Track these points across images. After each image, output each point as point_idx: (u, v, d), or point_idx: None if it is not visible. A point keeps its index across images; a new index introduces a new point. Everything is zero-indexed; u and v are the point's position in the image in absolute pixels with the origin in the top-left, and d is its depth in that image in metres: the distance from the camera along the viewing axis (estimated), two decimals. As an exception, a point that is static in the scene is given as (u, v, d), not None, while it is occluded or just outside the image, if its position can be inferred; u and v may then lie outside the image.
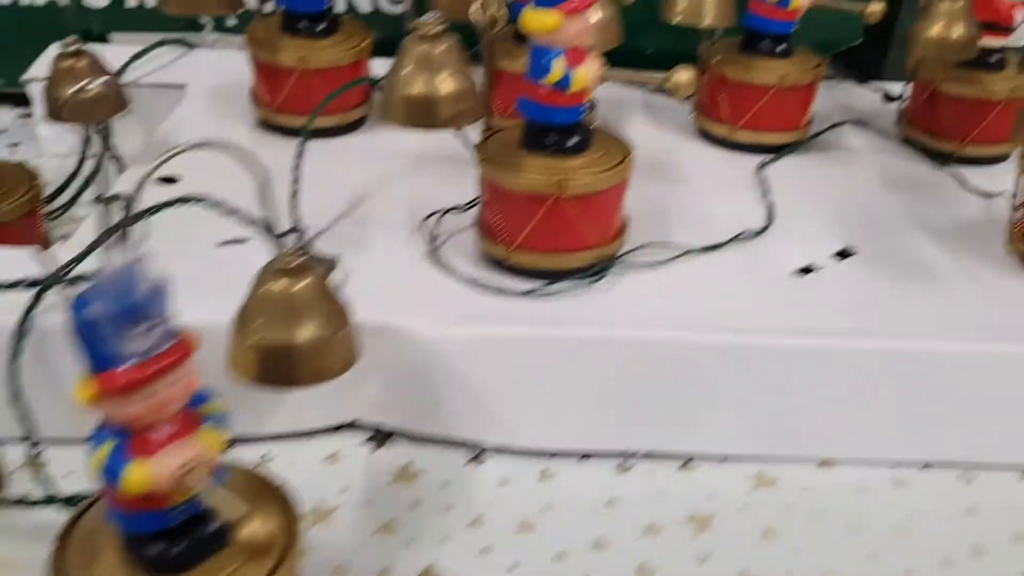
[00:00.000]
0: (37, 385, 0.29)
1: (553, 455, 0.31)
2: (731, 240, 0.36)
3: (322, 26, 0.42)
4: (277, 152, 0.37)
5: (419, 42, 0.29)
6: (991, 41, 0.43)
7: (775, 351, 0.31)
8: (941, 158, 0.44)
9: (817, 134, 0.45)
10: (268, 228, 0.29)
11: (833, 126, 0.46)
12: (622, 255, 0.34)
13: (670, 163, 0.43)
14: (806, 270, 0.36)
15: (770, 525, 0.30)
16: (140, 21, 0.52)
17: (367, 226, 0.36)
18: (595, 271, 0.33)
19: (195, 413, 0.21)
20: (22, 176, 0.38)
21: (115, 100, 0.37)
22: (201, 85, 0.47)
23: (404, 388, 0.31)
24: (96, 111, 0.37)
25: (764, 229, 0.37)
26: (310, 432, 0.32)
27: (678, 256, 0.35)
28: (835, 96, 0.51)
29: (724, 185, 0.41)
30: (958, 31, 0.40)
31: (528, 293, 0.32)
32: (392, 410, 0.31)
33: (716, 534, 0.30)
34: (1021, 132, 0.37)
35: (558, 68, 0.31)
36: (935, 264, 0.36)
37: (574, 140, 0.32)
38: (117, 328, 0.19)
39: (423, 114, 0.29)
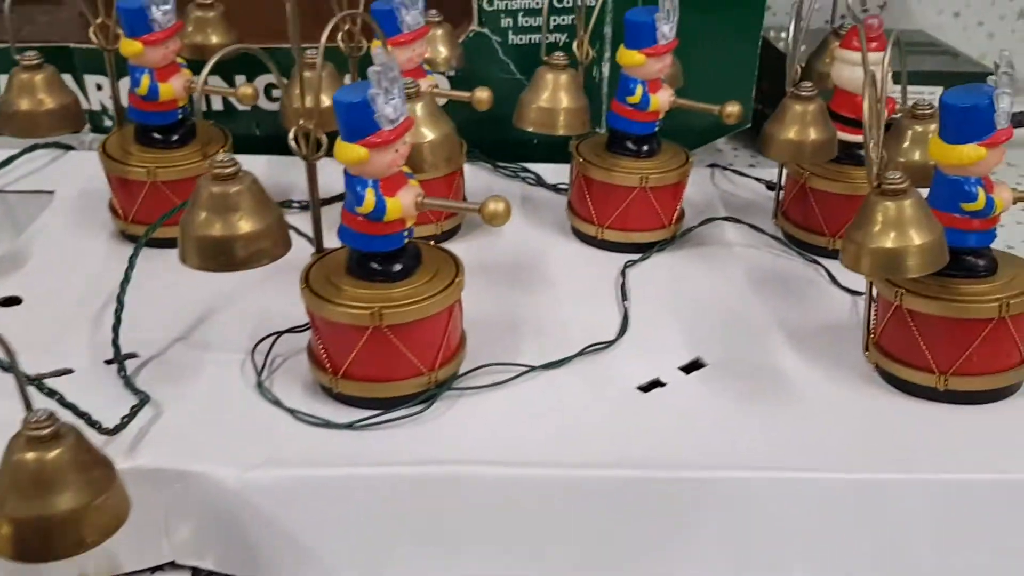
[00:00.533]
0: None
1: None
2: (576, 355, 0.36)
3: (176, 136, 0.41)
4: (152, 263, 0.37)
5: (213, 183, 0.28)
6: (852, 137, 0.43)
7: (600, 482, 0.30)
8: (813, 253, 0.44)
9: (688, 230, 0.45)
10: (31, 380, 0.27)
11: (704, 222, 0.45)
12: (457, 378, 0.34)
13: (535, 265, 0.43)
14: (651, 385, 0.35)
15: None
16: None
17: (204, 349, 0.35)
18: (422, 399, 0.32)
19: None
20: None
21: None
22: (71, 190, 0.46)
23: (215, 531, 0.30)
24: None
25: (615, 340, 0.37)
26: (127, 574, 0.31)
27: (517, 376, 0.34)
28: (720, 184, 0.51)
29: (586, 289, 0.41)
30: (813, 134, 0.40)
31: (351, 425, 0.31)
32: (206, 553, 0.30)
33: None
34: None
35: (370, 198, 0.30)
36: (789, 375, 0.35)
37: (397, 267, 0.32)
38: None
39: (216, 256, 0.28)
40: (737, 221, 0.46)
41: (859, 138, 0.42)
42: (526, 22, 0.49)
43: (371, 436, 0.31)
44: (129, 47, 0.39)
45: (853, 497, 0.30)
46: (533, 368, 0.35)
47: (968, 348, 0.33)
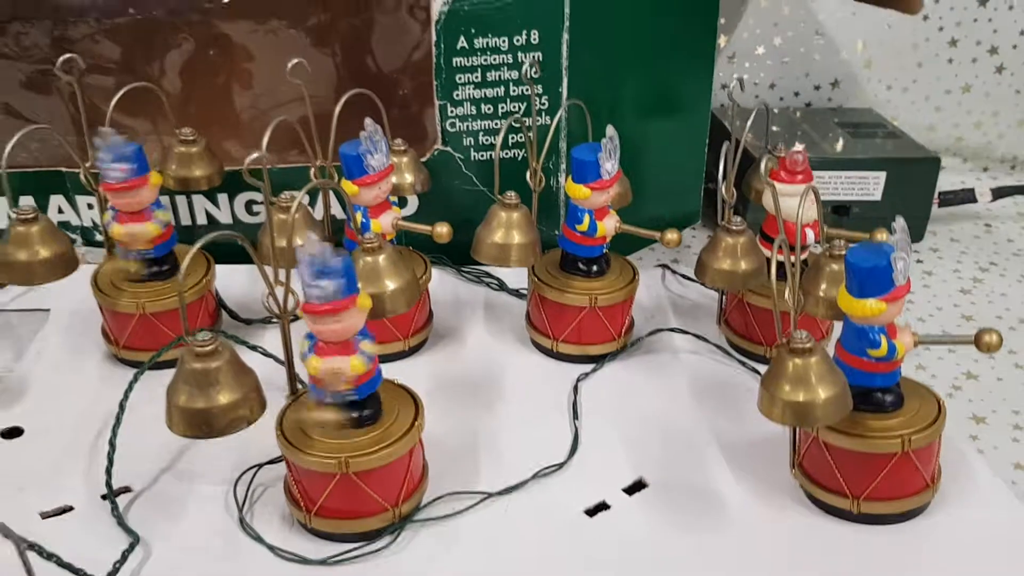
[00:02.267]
0: None
1: None
2: (530, 479, 0.39)
3: (165, 267, 0.45)
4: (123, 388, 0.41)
5: (194, 360, 0.32)
6: (781, 257, 0.46)
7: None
8: (754, 360, 0.48)
9: (636, 340, 0.49)
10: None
11: (652, 332, 0.49)
12: (420, 509, 0.37)
13: (495, 378, 0.46)
14: (597, 509, 0.39)
15: None
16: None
17: (191, 480, 0.39)
18: (389, 532, 0.36)
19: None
20: None
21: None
22: (66, 308, 0.50)
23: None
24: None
25: (564, 462, 0.41)
26: None
27: (475, 504, 0.38)
28: (670, 286, 0.55)
29: (542, 405, 0.44)
30: (744, 264, 0.44)
31: (324, 561, 0.35)
32: None
33: None
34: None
35: (314, 363, 0.34)
36: (723, 495, 0.39)
37: (366, 412, 0.36)
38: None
39: (199, 425, 0.32)
40: (683, 332, 0.49)
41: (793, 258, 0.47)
42: (486, 140, 0.53)
43: (343, 570, 0.35)
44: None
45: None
46: (490, 495, 0.38)
47: (876, 477, 0.37)
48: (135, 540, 0.35)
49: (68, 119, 0.50)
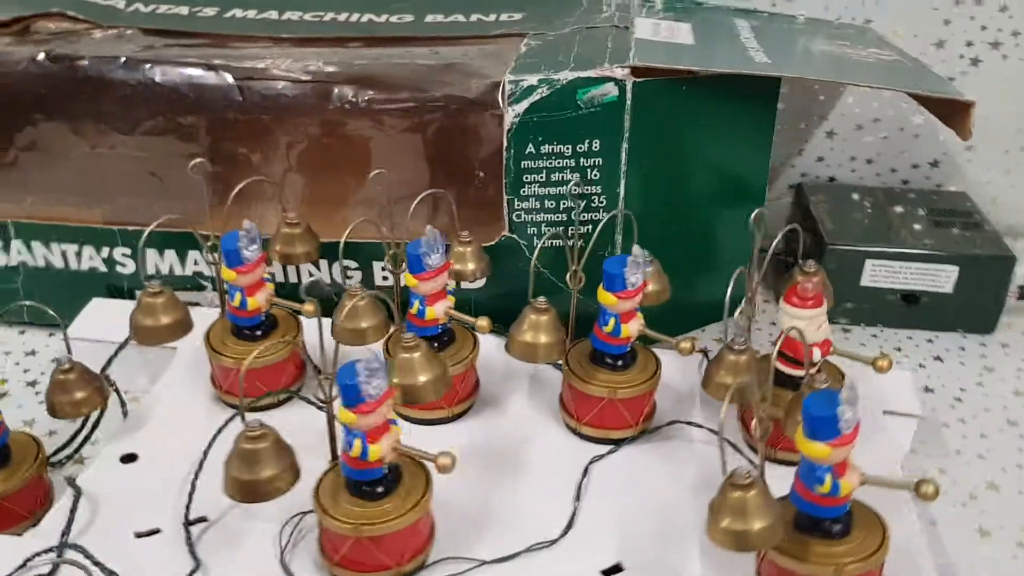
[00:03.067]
0: None
1: None
2: (523, 551, 0.46)
3: (259, 332, 0.55)
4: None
5: (245, 442, 0.41)
6: (791, 371, 0.51)
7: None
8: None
9: (655, 429, 0.54)
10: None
11: (669, 423, 0.55)
12: (423, 569, 0.45)
13: (520, 451, 0.53)
14: (601, 578, 0.45)
15: None
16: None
17: (252, 517, 0.48)
18: (396, 586, 0.44)
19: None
20: (30, 446, 0.52)
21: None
22: (191, 346, 0.61)
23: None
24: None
25: (557, 539, 0.47)
26: None
27: (470, 569, 0.46)
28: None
29: (554, 483, 0.51)
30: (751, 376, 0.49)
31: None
32: None
33: None
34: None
35: (357, 447, 0.42)
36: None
37: (379, 490, 0.44)
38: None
39: (247, 493, 0.41)
40: (698, 426, 0.55)
41: (798, 372, 0.51)
42: (547, 230, 0.59)
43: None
44: (227, 273, 0.52)
45: None
46: (484, 563, 0.46)
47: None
48: (196, 566, 0.45)
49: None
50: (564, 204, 0.58)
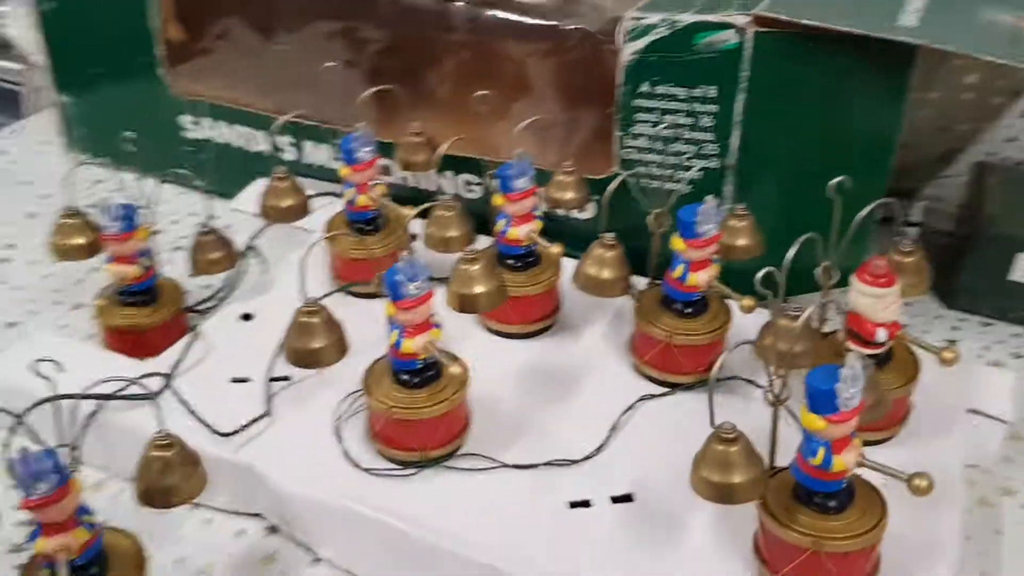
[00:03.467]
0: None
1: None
2: (542, 464, 0.50)
3: (370, 227, 0.61)
4: (346, 310, 0.55)
5: (301, 316, 0.47)
6: (860, 350, 0.50)
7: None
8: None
9: (715, 380, 0.54)
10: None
11: (724, 379, 0.55)
12: (448, 457, 0.49)
13: (576, 377, 0.56)
14: (581, 504, 0.48)
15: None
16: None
17: (326, 385, 0.54)
18: (416, 467, 0.49)
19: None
20: (176, 291, 0.62)
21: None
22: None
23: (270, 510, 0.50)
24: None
25: (578, 461, 0.50)
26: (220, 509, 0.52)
27: (488, 468, 0.49)
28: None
29: (600, 411, 0.53)
30: (799, 346, 0.48)
31: (367, 470, 0.49)
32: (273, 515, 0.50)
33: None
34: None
35: (408, 344, 0.47)
36: (690, 527, 0.46)
37: (416, 380, 0.48)
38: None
39: (299, 359, 0.47)
40: (758, 385, 0.55)
41: (869, 351, 0.50)
42: (656, 172, 0.60)
43: (380, 482, 0.49)
44: (344, 170, 0.58)
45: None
46: (504, 465, 0.49)
47: (788, 564, 0.42)
48: (265, 414, 0.52)
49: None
50: (674, 148, 0.59)
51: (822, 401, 0.40)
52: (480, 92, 0.56)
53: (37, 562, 0.41)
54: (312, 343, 0.47)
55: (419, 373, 0.48)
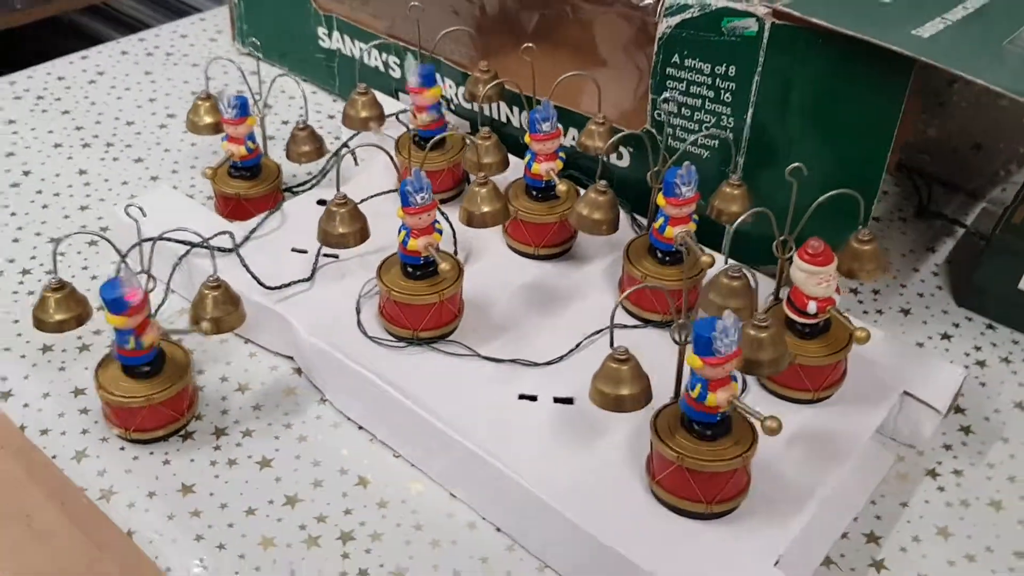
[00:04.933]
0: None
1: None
2: (507, 361, 0.60)
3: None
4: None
5: (331, 206, 0.59)
6: (797, 318, 0.57)
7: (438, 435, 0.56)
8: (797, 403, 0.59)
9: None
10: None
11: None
12: (435, 340, 0.61)
13: (569, 299, 0.65)
14: (528, 398, 0.58)
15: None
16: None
17: (359, 267, 0.66)
18: (409, 343, 0.61)
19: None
20: (275, 171, 0.75)
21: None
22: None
23: (297, 354, 0.63)
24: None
25: (541, 365, 0.60)
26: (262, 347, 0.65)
27: (462, 356, 0.60)
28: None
29: (580, 328, 0.62)
30: (734, 302, 0.55)
31: (375, 341, 0.61)
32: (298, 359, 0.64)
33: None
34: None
35: (414, 243, 0.58)
36: (611, 425, 0.56)
37: (418, 272, 0.60)
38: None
39: (326, 241, 0.59)
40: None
41: (802, 320, 0.56)
42: (680, 134, 0.68)
43: (378, 349, 0.61)
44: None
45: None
46: (478, 356, 0.60)
47: (662, 473, 0.51)
48: (308, 278, 0.65)
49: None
50: (697, 116, 0.66)
51: (701, 345, 0.48)
52: (526, 44, 0.65)
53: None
54: (338, 228, 0.59)
55: (421, 268, 0.60)
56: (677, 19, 0.63)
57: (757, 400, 0.59)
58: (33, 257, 0.73)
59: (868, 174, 0.63)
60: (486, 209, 0.61)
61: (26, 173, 0.82)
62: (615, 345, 0.50)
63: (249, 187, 0.73)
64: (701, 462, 0.50)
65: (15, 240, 0.75)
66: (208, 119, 0.74)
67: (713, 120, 0.65)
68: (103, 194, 0.80)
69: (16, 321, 0.67)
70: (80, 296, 0.57)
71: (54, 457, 0.58)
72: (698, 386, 0.49)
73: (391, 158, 0.71)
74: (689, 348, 0.49)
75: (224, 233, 0.66)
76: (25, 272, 0.71)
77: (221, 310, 0.57)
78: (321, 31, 0.88)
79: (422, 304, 0.59)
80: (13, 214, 0.77)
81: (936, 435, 0.62)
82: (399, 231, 0.59)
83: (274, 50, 0.94)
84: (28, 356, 0.64)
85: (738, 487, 0.51)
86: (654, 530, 0.51)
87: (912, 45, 0.57)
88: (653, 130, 0.69)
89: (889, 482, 0.60)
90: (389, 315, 0.61)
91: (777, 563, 0.49)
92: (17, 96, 0.92)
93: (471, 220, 0.61)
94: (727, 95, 0.64)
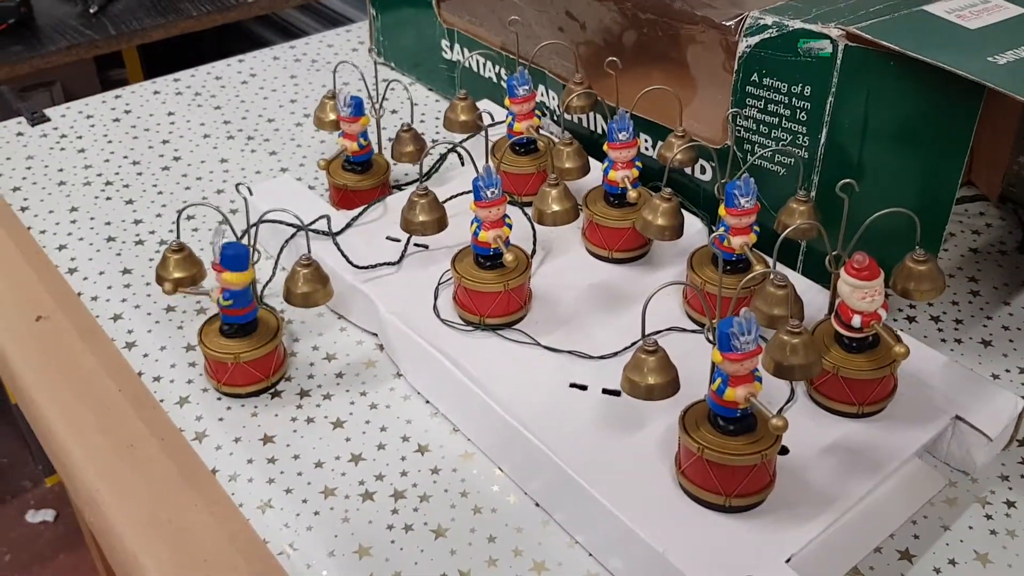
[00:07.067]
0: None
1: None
2: (566, 352, 0.64)
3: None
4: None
5: (413, 194, 0.65)
6: (844, 332, 0.58)
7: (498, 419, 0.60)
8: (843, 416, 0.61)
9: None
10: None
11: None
12: (502, 327, 0.65)
13: (635, 306, 0.68)
14: (578, 387, 0.62)
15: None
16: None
17: (447, 257, 0.72)
18: (476, 327, 0.65)
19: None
20: (384, 167, 0.82)
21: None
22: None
23: (379, 330, 0.69)
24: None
25: (596, 358, 0.63)
26: (352, 322, 0.72)
27: (529, 344, 0.64)
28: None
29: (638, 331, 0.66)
30: (777, 310, 0.57)
31: (447, 322, 0.66)
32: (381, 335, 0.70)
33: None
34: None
35: (483, 235, 0.63)
36: (654, 418, 0.59)
37: (489, 264, 0.64)
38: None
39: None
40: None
41: (848, 334, 0.58)
42: (759, 149, 0.70)
43: (448, 332, 0.66)
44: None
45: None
46: (537, 344, 0.64)
47: (687, 463, 0.53)
48: (397, 262, 0.71)
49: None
50: (775, 133, 0.68)
51: (722, 341, 0.50)
52: (610, 59, 0.69)
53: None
54: (418, 216, 0.65)
55: (490, 258, 0.65)
56: (756, 39, 0.66)
57: (802, 410, 0.60)
58: (171, 231, 0.83)
59: (940, 196, 0.63)
60: (556, 208, 0.65)
61: (176, 159, 0.92)
62: (647, 336, 0.53)
63: (358, 180, 0.80)
64: (720, 454, 0.52)
65: (158, 215, 0.85)
66: (332, 116, 0.82)
67: (789, 138, 0.67)
68: (239, 180, 0.89)
69: (148, 283, 0.77)
70: (196, 259, 0.65)
71: (161, 401, 0.66)
72: (718, 380, 0.52)
73: (472, 160, 0.77)
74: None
75: (323, 218, 0.73)
76: (162, 243, 0.81)
77: (310, 286, 0.64)
78: (444, 43, 0.95)
79: (489, 292, 0.64)
80: (160, 192, 0.88)
81: (994, 464, 0.62)
82: (471, 223, 0.64)
83: (406, 61, 1.02)
84: (153, 314, 0.74)
85: (758, 484, 0.53)
86: (674, 516, 0.53)
87: (984, 72, 0.58)
88: (733, 146, 0.71)
89: (936, 505, 0.60)
90: (461, 301, 0.66)
91: (789, 560, 0.51)
92: (179, 92, 1.04)
93: (542, 218, 0.65)
94: (803, 114, 0.66)
